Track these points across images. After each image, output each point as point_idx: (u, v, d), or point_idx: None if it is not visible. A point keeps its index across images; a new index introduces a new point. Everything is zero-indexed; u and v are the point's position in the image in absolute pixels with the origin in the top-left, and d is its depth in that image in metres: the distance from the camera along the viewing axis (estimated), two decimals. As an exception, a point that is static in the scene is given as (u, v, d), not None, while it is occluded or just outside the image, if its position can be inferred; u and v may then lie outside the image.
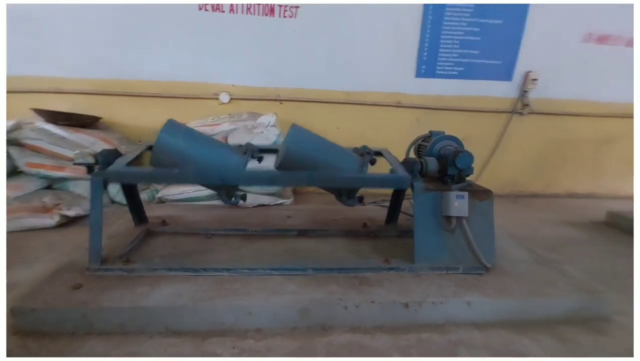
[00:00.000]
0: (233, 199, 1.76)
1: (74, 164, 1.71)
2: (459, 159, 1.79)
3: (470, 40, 3.20)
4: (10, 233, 2.25)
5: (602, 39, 3.35)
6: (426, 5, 3.07)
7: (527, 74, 3.33)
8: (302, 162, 1.72)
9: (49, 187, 2.69)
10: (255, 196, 2.62)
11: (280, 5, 2.91)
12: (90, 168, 1.73)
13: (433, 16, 3.11)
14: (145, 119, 3.06)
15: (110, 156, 1.70)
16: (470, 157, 1.79)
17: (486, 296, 1.57)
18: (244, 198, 1.78)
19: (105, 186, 1.69)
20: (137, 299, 1.43)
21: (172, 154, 1.70)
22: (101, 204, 1.62)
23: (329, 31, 3.04)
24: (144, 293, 1.47)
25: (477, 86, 3.34)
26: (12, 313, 1.37)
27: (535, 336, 1.49)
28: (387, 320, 1.51)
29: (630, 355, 1.37)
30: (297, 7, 2.93)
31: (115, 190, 2.78)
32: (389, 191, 2.22)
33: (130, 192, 1.95)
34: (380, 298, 1.52)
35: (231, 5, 2.87)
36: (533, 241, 2.39)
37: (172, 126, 1.72)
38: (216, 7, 2.87)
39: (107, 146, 2.70)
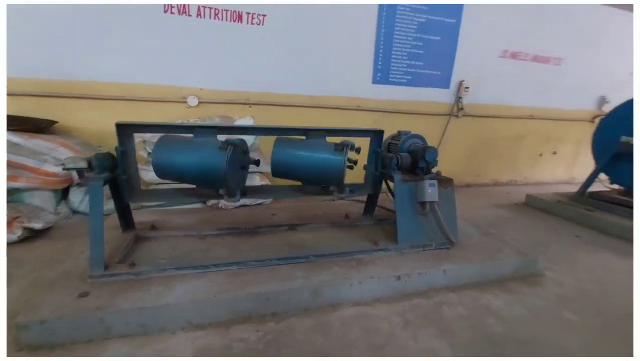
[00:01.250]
0: (237, 197, 1.85)
1: (64, 169, 1.63)
2: (427, 154, 2.14)
3: (416, 53, 3.68)
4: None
5: (514, 55, 4.12)
6: (379, 21, 3.45)
7: (460, 83, 3.94)
8: (290, 170, 1.92)
9: (-3, 199, 2.40)
10: (235, 197, 2.69)
11: (248, 13, 3.01)
12: (80, 173, 1.68)
13: (385, 29, 3.50)
14: (106, 123, 2.85)
15: (106, 160, 1.67)
16: (435, 152, 2.16)
17: (456, 264, 1.93)
18: (244, 192, 1.88)
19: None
20: (157, 299, 1.46)
21: (172, 171, 1.74)
22: (101, 210, 1.59)
23: (295, 40, 3.22)
24: (161, 293, 1.50)
25: (422, 92, 3.84)
26: (17, 327, 1.31)
27: (493, 291, 1.89)
28: (383, 292, 1.77)
29: (562, 300, 1.84)
30: (264, 15, 3.06)
31: (77, 199, 2.59)
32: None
33: (119, 197, 1.90)
34: (377, 274, 1.77)
35: (198, 9, 2.89)
36: (475, 220, 2.88)
37: (163, 145, 1.74)
38: (183, 11, 2.86)
39: (68, 152, 2.52)
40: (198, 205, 2.67)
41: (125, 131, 1.73)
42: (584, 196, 3.35)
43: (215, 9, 2.92)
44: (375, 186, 2.31)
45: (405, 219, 2.05)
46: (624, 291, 1.98)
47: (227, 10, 2.95)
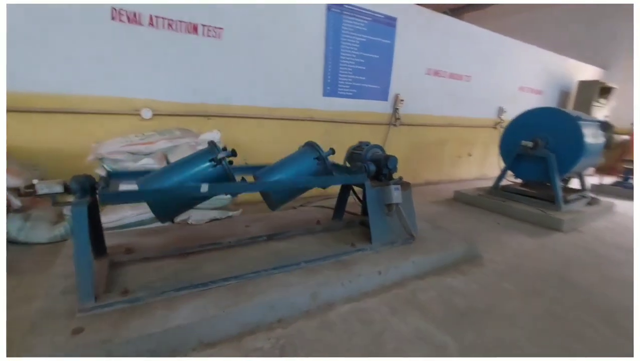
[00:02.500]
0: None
1: (38, 195, 1.47)
2: (389, 162, 2.44)
3: (359, 69, 4.05)
4: None
5: (436, 73, 4.81)
6: (327, 39, 3.72)
7: (397, 96, 4.45)
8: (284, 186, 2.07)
9: None
10: (204, 212, 2.64)
11: (204, 25, 2.98)
12: (54, 198, 1.53)
13: (333, 47, 3.79)
14: (41, 140, 2.56)
15: (86, 182, 1.55)
16: (396, 159, 2.47)
17: (421, 256, 2.26)
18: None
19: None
20: (164, 322, 1.44)
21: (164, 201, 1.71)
22: (87, 236, 1.48)
23: (252, 54, 3.27)
24: (167, 316, 1.48)
25: (366, 104, 4.23)
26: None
27: (451, 274, 2.27)
28: (369, 287, 2.00)
29: (499, 275, 2.31)
30: (221, 28, 3.06)
31: (16, 227, 2.24)
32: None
33: (93, 221, 1.75)
34: (363, 272, 1.99)
35: (150, 18, 2.76)
36: (422, 216, 3.30)
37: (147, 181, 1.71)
38: (133, 19, 2.70)
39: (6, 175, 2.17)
40: (165, 224, 2.55)
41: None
42: (498, 190, 4.11)
43: (169, 20, 2.83)
44: (343, 189, 2.56)
45: (377, 220, 2.31)
46: (536, 261, 2.57)
47: (181, 22, 2.88)
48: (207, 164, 1.75)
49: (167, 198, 1.70)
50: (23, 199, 2.22)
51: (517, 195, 3.91)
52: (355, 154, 2.72)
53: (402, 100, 4.49)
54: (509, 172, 4.10)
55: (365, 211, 2.74)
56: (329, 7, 3.66)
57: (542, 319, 1.84)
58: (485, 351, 1.56)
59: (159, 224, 2.51)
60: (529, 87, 6.19)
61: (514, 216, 3.60)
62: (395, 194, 2.33)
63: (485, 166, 5.99)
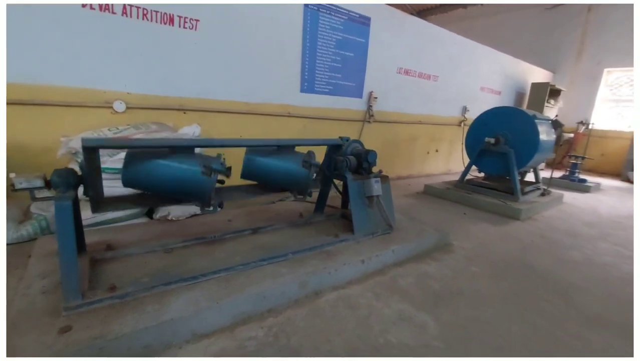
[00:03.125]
0: (211, 208, 1.88)
1: (16, 190, 1.40)
2: (369, 156, 2.55)
3: (335, 66, 4.14)
4: None
5: (406, 72, 5.02)
6: (304, 35, 3.76)
7: (370, 93, 4.59)
8: (259, 173, 2.10)
9: None
10: (185, 207, 2.59)
11: (180, 16, 2.90)
12: (33, 193, 1.46)
13: (310, 44, 3.83)
14: (8, 132, 2.38)
15: (70, 177, 1.49)
16: (376, 154, 2.59)
17: (399, 244, 2.40)
18: (221, 205, 1.93)
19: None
20: (158, 316, 1.44)
21: (147, 183, 1.68)
22: (72, 233, 1.43)
23: (229, 47, 3.24)
24: (159, 310, 1.48)
25: (342, 101, 4.33)
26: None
27: (425, 261, 2.44)
28: (353, 275, 2.10)
29: (467, 260, 2.51)
30: (197, 20, 2.99)
31: (-24, 226, 2.08)
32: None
33: (75, 217, 1.68)
34: (347, 261, 2.08)
35: (124, 8, 2.64)
36: (395, 208, 3.44)
37: (131, 158, 1.67)
38: (105, 7, 2.57)
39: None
40: (143, 219, 2.48)
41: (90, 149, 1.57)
42: (464, 183, 4.40)
43: (144, 9, 2.73)
44: (325, 183, 2.63)
45: (358, 212, 2.42)
46: (499, 246, 2.83)
47: (157, 11, 2.79)
48: (199, 169, 1.74)
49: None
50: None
51: (481, 188, 4.21)
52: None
53: (375, 97, 4.65)
54: (473, 167, 4.40)
55: (345, 204, 2.85)
56: (307, 4, 3.70)
57: (507, 297, 2.04)
58: (460, 327, 1.72)
59: (137, 220, 2.44)
60: (489, 87, 6.63)
61: (479, 207, 3.88)
62: (376, 187, 2.44)
63: (451, 162, 6.35)
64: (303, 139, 2.27)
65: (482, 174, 4.59)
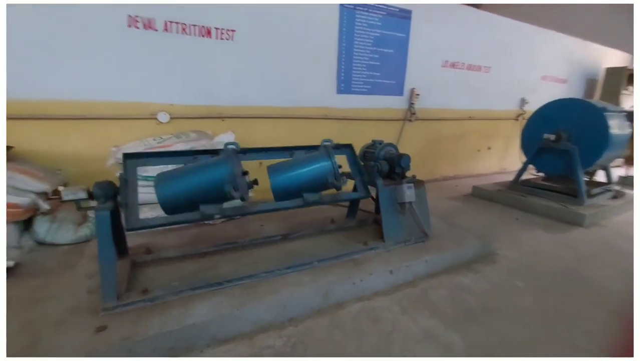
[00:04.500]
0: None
1: (63, 201, 1.58)
2: (402, 160, 2.42)
3: (373, 64, 4.01)
4: None
5: (453, 65, 4.69)
6: (340, 36, 3.70)
7: (412, 90, 4.38)
8: (291, 190, 2.09)
9: (-53, 238, 2.14)
10: (220, 212, 2.72)
11: (217, 28, 3.03)
12: (79, 203, 1.63)
13: (346, 44, 3.77)
14: (64, 145, 2.71)
15: (109, 189, 1.65)
16: (409, 158, 2.45)
17: (433, 254, 2.25)
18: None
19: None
20: (181, 320, 1.51)
21: (182, 199, 1.76)
22: (111, 240, 1.58)
23: (264, 53, 3.32)
24: (183, 314, 1.56)
25: (380, 100, 4.19)
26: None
27: (463, 273, 2.25)
28: (380, 286, 2.01)
29: (512, 272, 2.26)
30: (233, 30, 3.11)
31: (44, 229, 2.40)
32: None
33: (115, 224, 1.85)
34: (374, 270, 2.01)
35: (165, 24, 2.84)
36: (436, 213, 3.25)
37: (164, 178, 1.77)
38: (148, 25, 2.79)
39: (31, 180, 2.33)
40: (183, 224, 2.65)
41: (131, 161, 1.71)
42: (518, 184, 3.99)
43: (183, 24, 2.90)
44: (366, 190, 2.57)
45: (389, 219, 2.32)
46: (553, 258, 2.52)
47: (195, 25, 2.95)
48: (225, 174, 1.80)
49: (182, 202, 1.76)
50: (50, 202, 2.37)
51: (539, 190, 3.79)
52: (369, 153, 2.71)
53: (417, 94, 4.42)
54: (531, 166, 3.97)
55: (379, 210, 2.75)
56: (342, 3, 3.63)
57: (550, 316, 1.81)
58: (491, 349, 1.56)
59: (176, 225, 2.61)
60: (553, 76, 5.92)
61: (534, 212, 3.49)
62: (408, 193, 2.32)
63: (507, 160, 5.81)
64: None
65: (541, 174, 4.12)
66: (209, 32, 3.03)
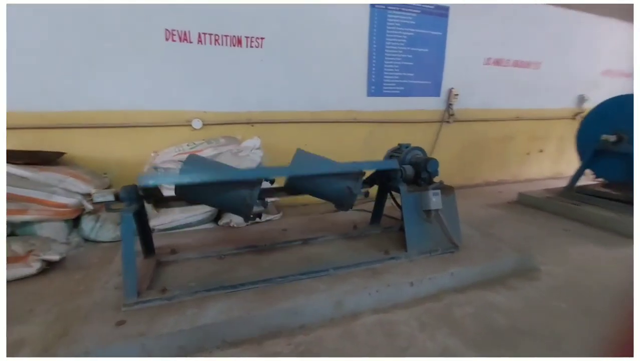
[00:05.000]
0: (251, 216, 1.96)
1: (94, 203, 1.72)
2: (429, 165, 2.29)
3: (407, 65, 3.87)
4: (-20, 290, 2.03)
5: (497, 62, 4.36)
6: (370, 37, 3.63)
7: (450, 91, 4.15)
8: (307, 189, 2.07)
9: (11, 234, 2.44)
10: (246, 215, 2.78)
11: (247, 37, 3.14)
12: (108, 205, 1.76)
13: (377, 45, 3.68)
14: (109, 151, 2.97)
15: (133, 192, 1.76)
16: (437, 163, 2.31)
17: (461, 266, 2.09)
18: (259, 215, 2.00)
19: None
20: (193, 321, 1.56)
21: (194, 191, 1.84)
22: (133, 239, 1.68)
23: (293, 58, 3.36)
24: (196, 314, 1.60)
25: (414, 101, 4.03)
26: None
27: (495, 289, 2.05)
28: (399, 298, 1.91)
29: (554, 291, 2.01)
30: (262, 38, 3.19)
31: (89, 227, 2.64)
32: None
33: (142, 224, 1.98)
34: (393, 281, 1.91)
35: (199, 36, 3.00)
36: (473, 221, 3.04)
37: (189, 164, 1.84)
38: (184, 38, 2.97)
39: (78, 183, 2.58)
40: (210, 225, 2.76)
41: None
42: (572, 191, 3.57)
43: (215, 35, 3.04)
44: (381, 193, 2.49)
45: (413, 227, 2.19)
46: (605, 276, 2.20)
47: (226, 35, 3.07)
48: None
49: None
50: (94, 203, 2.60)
51: (596, 198, 3.36)
52: (394, 156, 2.61)
53: (456, 95, 4.17)
54: (588, 171, 3.54)
55: (404, 216, 2.63)
56: (373, 3, 3.56)
57: (593, 343, 1.57)
58: (524, 381, 1.39)
59: (204, 226, 2.73)
60: (617, 69, 5.24)
61: (588, 222, 3.10)
62: (434, 200, 2.18)
63: (562, 163, 5.25)
64: (343, 164, 2.15)
65: (600, 180, 3.65)
66: (239, 41, 3.14)
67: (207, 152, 2.81)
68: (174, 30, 2.94)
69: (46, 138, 2.78)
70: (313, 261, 2.11)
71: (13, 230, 2.46)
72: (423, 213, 2.22)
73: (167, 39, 2.93)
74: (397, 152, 2.59)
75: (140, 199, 1.81)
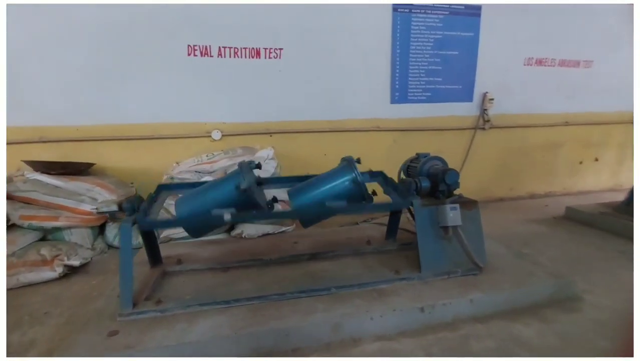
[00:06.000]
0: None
1: (98, 213, 1.78)
2: (447, 176, 2.08)
3: (434, 69, 3.65)
4: (9, 290, 2.19)
5: (539, 62, 3.96)
6: (393, 42, 3.47)
7: (484, 95, 3.83)
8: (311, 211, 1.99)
9: (43, 238, 2.63)
10: (259, 226, 2.74)
11: (265, 49, 3.16)
12: (112, 215, 1.81)
13: (400, 50, 3.52)
14: (136, 162, 3.12)
15: (136, 203, 1.78)
16: (456, 174, 2.09)
17: (483, 292, 1.84)
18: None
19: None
20: (180, 336, 1.51)
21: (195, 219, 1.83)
22: (131, 250, 1.69)
23: (312, 68, 3.33)
24: (185, 330, 1.56)
25: (443, 107, 3.77)
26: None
27: (525, 320, 1.77)
28: (407, 325, 1.71)
29: (598, 327, 1.68)
30: (281, 49, 3.19)
31: (112, 235, 2.77)
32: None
33: (148, 235, 2.01)
34: (400, 305, 1.73)
35: (219, 50, 3.07)
36: (507, 239, 2.71)
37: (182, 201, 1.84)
38: (205, 52, 3.06)
39: (104, 192, 2.72)
40: (222, 236, 2.75)
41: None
42: (631, 206, 3.07)
43: (235, 48, 3.10)
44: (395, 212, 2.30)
45: (428, 245, 1.99)
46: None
47: (245, 48, 3.12)
48: (232, 188, 1.79)
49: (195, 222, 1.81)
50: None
51: (664, 215, 2.84)
52: (412, 167, 2.43)
53: (491, 99, 3.84)
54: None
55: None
56: (395, 7, 3.42)
57: None
58: None
59: (215, 236, 2.72)
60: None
61: (654, 245, 2.61)
62: (452, 215, 1.96)
63: (622, 174, 4.58)
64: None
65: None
66: (258, 53, 3.17)
67: (223, 163, 2.84)
68: (195, 45, 3.04)
69: (81, 150, 3.00)
70: (317, 277, 2.00)
71: (45, 235, 2.65)
72: (440, 229, 2.01)
73: (189, 54, 3.04)
74: (415, 162, 2.40)
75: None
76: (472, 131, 3.94)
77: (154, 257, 2.11)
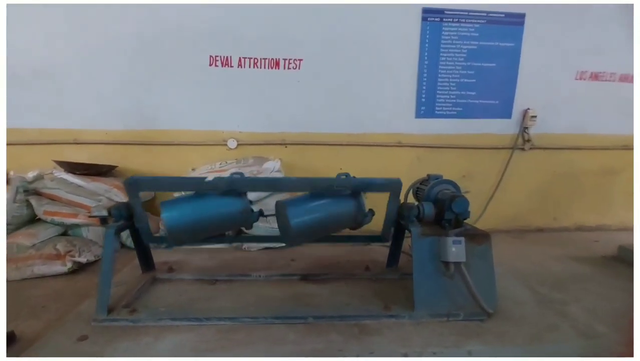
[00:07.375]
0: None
1: (90, 216, 1.83)
2: (455, 204, 1.83)
3: (466, 82, 3.35)
4: (20, 281, 2.32)
5: (594, 76, 3.46)
6: (421, 53, 3.26)
7: (525, 112, 3.43)
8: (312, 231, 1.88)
9: (64, 233, 2.81)
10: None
11: (285, 59, 3.14)
12: (103, 220, 1.85)
13: (429, 61, 3.29)
14: (156, 166, 3.24)
15: (123, 209, 1.81)
16: (466, 202, 1.84)
17: (487, 344, 1.56)
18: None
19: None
20: (142, 351, 1.47)
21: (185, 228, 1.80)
22: (113, 255, 1.71)
23: (332, 79, 3.23)
24: (149, 344, 1.51)
25: (476, 124, 3.44)
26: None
27: (540, 386, 1.46)
28: (387, 371, 1.50)
29: None
30: (300, 59, 3.15)
31: (126, 234, 2.88)
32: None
33: (139, 240, 2.04)
34: (380, 348, 1.52)
35: (239, 60, 3.11)
36: (537, 278, 2.34)
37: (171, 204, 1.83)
38: (225, 63, 3.12)
39: (120, 193, 2.85)
40: (222, 245, 2.73)
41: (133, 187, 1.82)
42: None
43: (255, 58, 3.12)
44: (397, 235, 2.09)
45: (425, 280, 1.76)
46: None
47: (265, 58, 3.12)
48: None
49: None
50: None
51: None
52: (421, 189, 2.21)
53: (533, 116, 3.43)
54: None
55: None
56: (425, 17, 3.21)
57: None
58: None
59: (218, 245, 2.70)
60: None
61: None
62: (454, 250, 1.72)
63: (702, 209, 3.82)
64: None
65: None
66: (277, 64, 3.16)
67: (233, 171, 2.83)
68: (217, 56, 3.11)
69: (108, 152, 3.20)
70: (300, 302, 1.86)
71: (66, 230, 2.84)
72: (442, 264, 1.77)
73: (210, 65, 3.12)
74: (424, 184, 2.18)
75: (129, 217, 1.84)
76: (509, 151, 3.55)
77: (146, 263, 2.13)
